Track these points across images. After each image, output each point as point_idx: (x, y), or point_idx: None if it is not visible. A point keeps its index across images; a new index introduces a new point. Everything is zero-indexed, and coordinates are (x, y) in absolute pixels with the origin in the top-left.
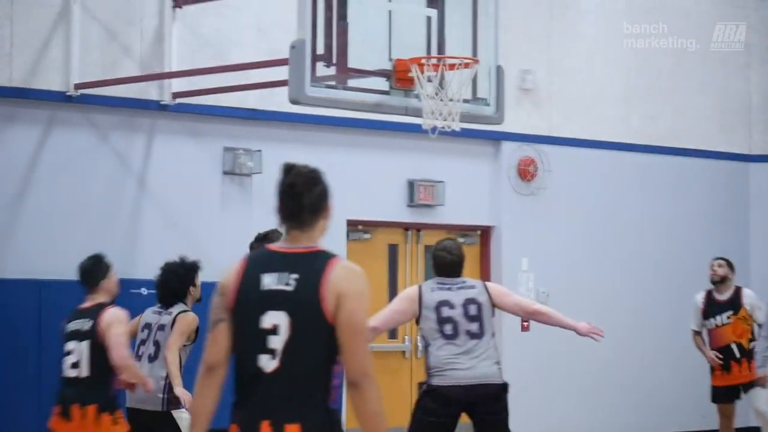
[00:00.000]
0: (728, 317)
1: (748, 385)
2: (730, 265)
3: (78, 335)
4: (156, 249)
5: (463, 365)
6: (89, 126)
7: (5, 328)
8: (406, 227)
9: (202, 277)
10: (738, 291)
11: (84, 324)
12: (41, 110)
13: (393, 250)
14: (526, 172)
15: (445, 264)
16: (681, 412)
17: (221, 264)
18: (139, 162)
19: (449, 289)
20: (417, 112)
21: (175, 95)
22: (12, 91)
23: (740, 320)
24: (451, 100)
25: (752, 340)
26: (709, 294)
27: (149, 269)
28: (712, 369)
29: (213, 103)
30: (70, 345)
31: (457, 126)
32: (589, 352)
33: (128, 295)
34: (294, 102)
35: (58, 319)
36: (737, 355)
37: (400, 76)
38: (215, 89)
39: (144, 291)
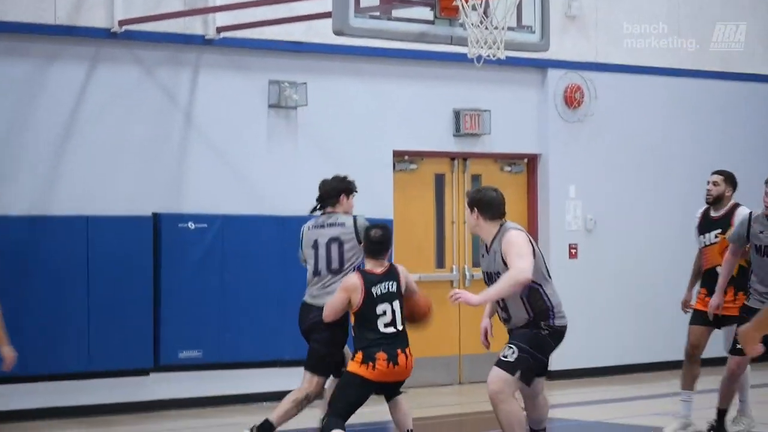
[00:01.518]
0: (716, 236)
1: (722, 320)
2: (728, 180)
3: None
4: (203, 184)
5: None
6: (134, 62)
7: (54, 264)
8: (452, 157)
9: (250, 210)
10: (733, 208)
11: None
12: (86, 47)
13: (440, 179)
14: (572, 99)
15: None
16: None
17: (269, 197)
18: (185, 97)
19: None
20: (462, 41)
21: (220, 29)
22: (57, 29)
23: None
24: (496, 28)
25: (745, 266)
26: (706, 210)
27: (197, 204)
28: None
29: (257, 37)
30: None
31: (503, 54)
32: (638, 278)
33: (176, 230)
34: (338, 33)
35: (106, 255)
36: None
37: (444, 5)
38: (259, 22)
39: (191, 225)
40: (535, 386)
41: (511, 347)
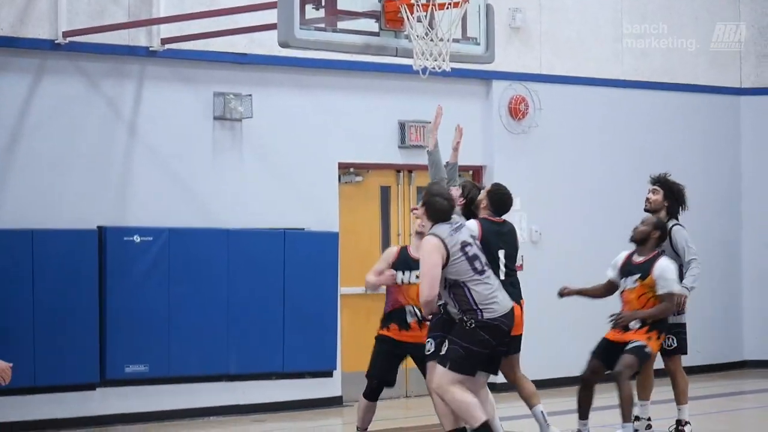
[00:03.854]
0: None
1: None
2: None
3: None
4: (148, 197)
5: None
6: (79, 74)
7: None
8: (398, 169)
9: (195, 222)
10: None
11: None
12: (30, 59)
13: (385, 192)
14: (517, 110)
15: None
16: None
17: (215, 209)
18: (130, 109)
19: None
20: (407, 53)
21: (164, 41)
22: (0, 41)
23: None
24: (441, 40)
25: None
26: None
27: (142, 216)
28: None
29: (202, 48)
30: None
31: (448, 66)
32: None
33: (122, 243)
34: (283, 45)
35: (51, 268)
36: None
37: (389, 17)
38: (204, 34)
39: (137, 238)
40: (477, 380)
41: (445, 342)
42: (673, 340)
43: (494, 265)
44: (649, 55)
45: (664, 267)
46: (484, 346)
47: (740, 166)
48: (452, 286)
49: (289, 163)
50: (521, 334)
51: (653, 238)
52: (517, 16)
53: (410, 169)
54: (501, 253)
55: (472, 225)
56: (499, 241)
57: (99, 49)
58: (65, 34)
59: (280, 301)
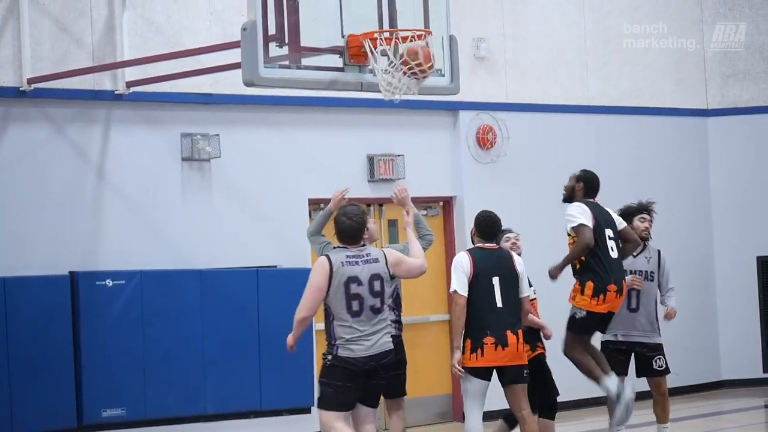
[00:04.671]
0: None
1: None
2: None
3: None
4: (119, 240)
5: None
6: (45, 120)
7: None
8: (368, 203)
9: (168, 264)
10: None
11: None
12: None
13: None
14: (484, 140)
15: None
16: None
17: (186, 250)
18: (97, 153)
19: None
20: (373, 87)
21: (129, 84)
22: None
23: None
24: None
25: None
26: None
27: (113, 260)
28: None
29: (167, 90)
30: None
31: (414, 95)
32: (559, 315)
33: (94, 288)
34: (248, 84)
35: (24, 315)
36: None
37: (353, 52)
38: (169, 76)
39: (109, 282)
40: (357, 415)
41: None
42: (663, 360)
43: (490, 292)
44: (615, 79)
45: (567, 207)
46: (343, 381)
47: (709, 187)
48: (326, 315)
49: (259, 200)
50: (521, 365)
51: (578, 191)
52: (482, 46)
53: (380, 203)
54: (496, 281)
55: (461, 256)
56: (492, 268)
57: (64, 94)
58: (30, 81)
59: (255, 339)
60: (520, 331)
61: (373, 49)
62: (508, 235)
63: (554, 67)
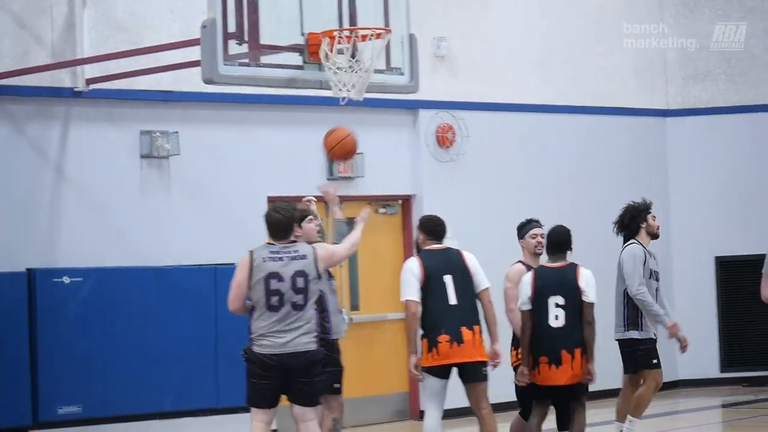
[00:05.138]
0: None
1: None
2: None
3: None
4: (77, 237)
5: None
6: (4, 117)
7: None
8: (326, 201)
9: (126, 261)
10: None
11: None
12: None
13: None
14: (444, 139)
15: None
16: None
17: (145, 248)
18: (56, 150)
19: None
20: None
21: (89, 81)
22: None
23: None
24: (365, 71)
25: None
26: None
27: (71, 257)
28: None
29: (127, 87)
30: None
31: (359, 97)
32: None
33: (52, 285)
34: (207, 81)
35: None
36: None
37: (313, 50)
38: (129, 73)
39: (67, 279)
40: (293, 413)
41: None
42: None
43: (442, 291)
44: (576, 80)
45: None
46: (258, 377)
47: (668, 187)
48: (250, 309)
49: (218, 198)
50: (478, 362)
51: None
52: (442, 45)
53: (340, 201)
54: (447, 279)
55: (409, 262)
56: (443, 267)
57: (24, 91)
58: None
59: (213, 337)
60: (476, 327)
61: (332, 48)
62: (533, 231)
63: (516, 66)
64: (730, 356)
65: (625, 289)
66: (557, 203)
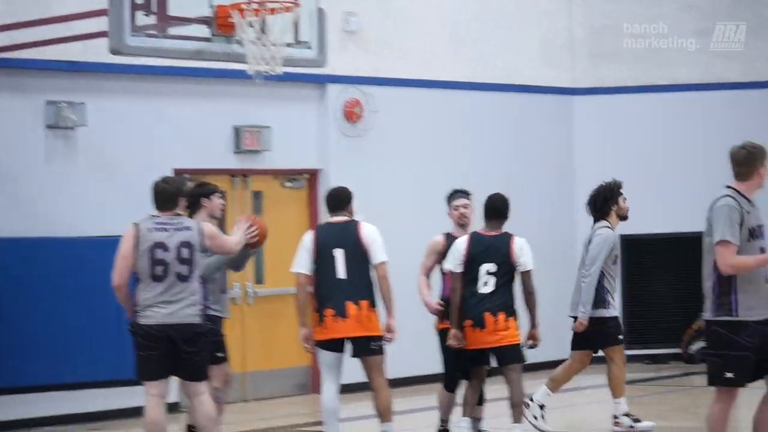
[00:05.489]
0: None
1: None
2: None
3: None
4: None
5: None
6: None
7: None
8: (233, 174)
9: (30, 232)
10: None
11: None
12: None
13: None
14: (352, 114)
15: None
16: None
17: (49, 218)
18: None
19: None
20: (239, 58)
21: None
22: None
23: None
24: (273, 44)
25: None
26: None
27: None
28: None
29: (34, 57)
30: None
31: (280, 70)
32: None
33: None
34: (115, 52)
35: None
36: None
37: (221, 23)
38: (36, 42)
39: None
40: (185, 390)
41: None
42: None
43: (332, 265)
44: (485, 57)
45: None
46: (145, 350)
47: (574, 166)
48: (136, 280)
49: (124, 170)
50: (369, 336)
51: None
52: (352, 20)
53: (245, 174)
54: (338, 252)
55: (305, 235)
56: (335, 240)
57: None
58: None
59: (118, 308)
60: (363, 302)
61: (241, 20)
62: (456, 202)
63: (425, 43)
64: (633, 334)
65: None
66: (463, 181)
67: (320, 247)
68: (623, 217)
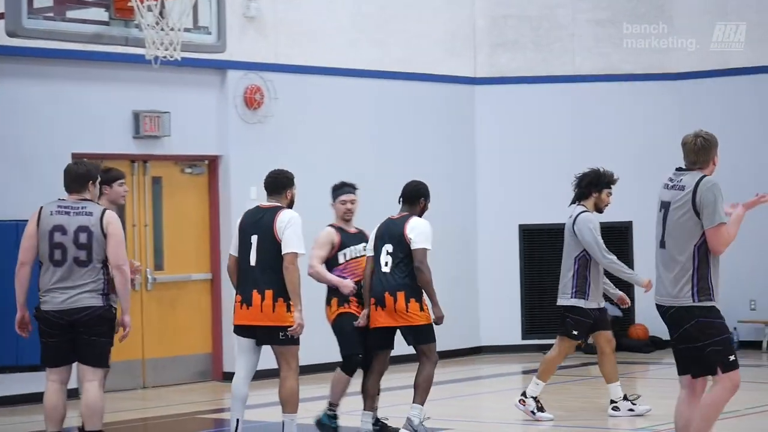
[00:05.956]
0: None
1: None
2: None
3: None
4: None
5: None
6: None
7: None
8: (132, 159)
9: None
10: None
11: None
12: None
13: None
14: (252, 100)
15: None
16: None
17: None
18: None
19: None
20: (138, 43)
21: None
22: None
23: None
24: (172, 29)
25: None
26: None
27: None
28: None
29: None
30: None
31: (179, 56)
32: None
33: None
34: (11, 35)
35: None
36: None
37: (119, 6)
38: None
39: None
40: (79, 371)
41: None
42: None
43: (247, 251)
44: (386, 45)
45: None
46: (45, 336)
47: (475, 155)
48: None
49: (22, 153)
50: (272, 326)
51: None
52: (252, 6)
53: (145, 159)
54: (254, 239)
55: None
56: (252, 226)
57: None
58: None
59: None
60: (268, 291)
61: (139, 5)
62: (343, 197)
63: (327, 30)
64: (530, 323)
65: (577, 255)
66: (365, 168)
67: (241, 232)
68: (599, 210)
